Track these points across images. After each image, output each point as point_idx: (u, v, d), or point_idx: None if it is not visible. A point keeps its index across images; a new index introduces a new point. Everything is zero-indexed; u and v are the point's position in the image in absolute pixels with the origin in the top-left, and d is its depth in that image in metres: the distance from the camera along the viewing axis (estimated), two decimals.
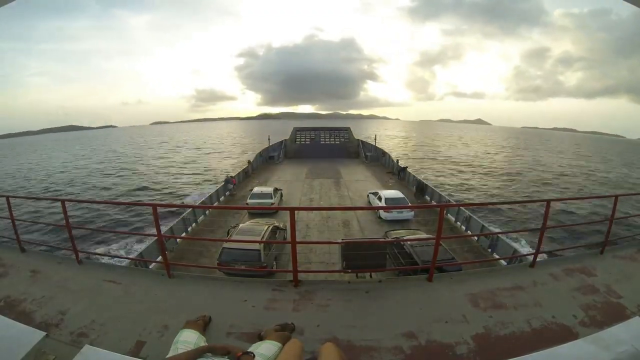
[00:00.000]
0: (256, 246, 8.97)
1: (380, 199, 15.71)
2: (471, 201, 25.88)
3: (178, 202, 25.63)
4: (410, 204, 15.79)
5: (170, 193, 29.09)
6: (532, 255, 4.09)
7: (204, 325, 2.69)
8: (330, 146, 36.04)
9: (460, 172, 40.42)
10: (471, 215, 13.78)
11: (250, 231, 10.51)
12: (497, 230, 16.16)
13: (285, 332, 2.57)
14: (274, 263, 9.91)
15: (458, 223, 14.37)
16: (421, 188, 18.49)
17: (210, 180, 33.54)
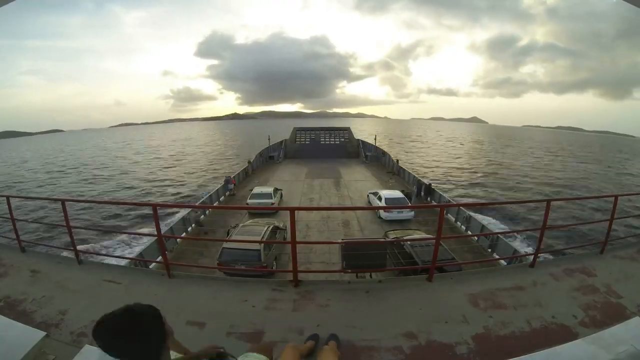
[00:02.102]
0: (256, 246, 8.97)
1: (380, 199, 15.70)
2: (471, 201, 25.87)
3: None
4: (410, 204, 15.79)
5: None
6: (532, 255, 4.09)
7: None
8: (330, 146, 36.05)
9: None
10: (471, 215, 13.78)
11: (250, 231, 10.52)
12: (497, 230, 16.16)
13: (266, 343, 2.54)
14: (274, 263, 9.91)
15: (458, 223, 14.37)
16: (427, 190, 18.17)
17: None
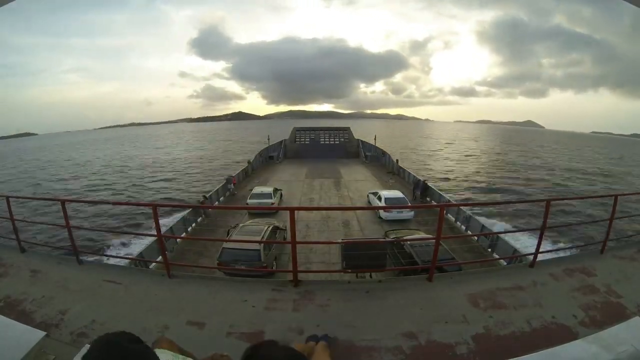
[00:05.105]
0: (256, 246, 8.97)
1: (380, 199, 15.70)
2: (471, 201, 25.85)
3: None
4: (410, 204, 15.79)
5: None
6: (532, 255, 4.09)
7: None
8: (330, 146, 36.03)
9: None
10: (471, 215, 13.78)
11: (250, 231, 10.52)
12: (497, 230, 16.15)
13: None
14: (274, 263, 9.91)
15: (458, 223, 14.37)
16: (423, 188, 18.33)
17: None
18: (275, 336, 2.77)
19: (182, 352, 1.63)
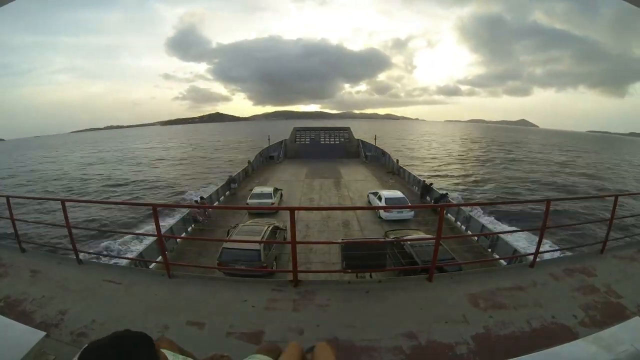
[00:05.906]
0: (256, 246, 8.97)
1: (380, 199, 15.71)
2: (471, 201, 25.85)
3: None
4: (410, 204, 15.81)
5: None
6: (532, 255, 4.09)
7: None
8: (330, 146, 36.06)
9: None
10: (471, 215, 13.79)
11: (251, 231, 10.52)
12: (497, 230, 16.15)
13: (273, 344, 2.52)
14: (274, 263, 9.91)
15: (458, 223, 14.37)
16: (426, 189, 18.35)
17: None
18: (275, 336, 2.77)
19: (182, 352, 1.63)
